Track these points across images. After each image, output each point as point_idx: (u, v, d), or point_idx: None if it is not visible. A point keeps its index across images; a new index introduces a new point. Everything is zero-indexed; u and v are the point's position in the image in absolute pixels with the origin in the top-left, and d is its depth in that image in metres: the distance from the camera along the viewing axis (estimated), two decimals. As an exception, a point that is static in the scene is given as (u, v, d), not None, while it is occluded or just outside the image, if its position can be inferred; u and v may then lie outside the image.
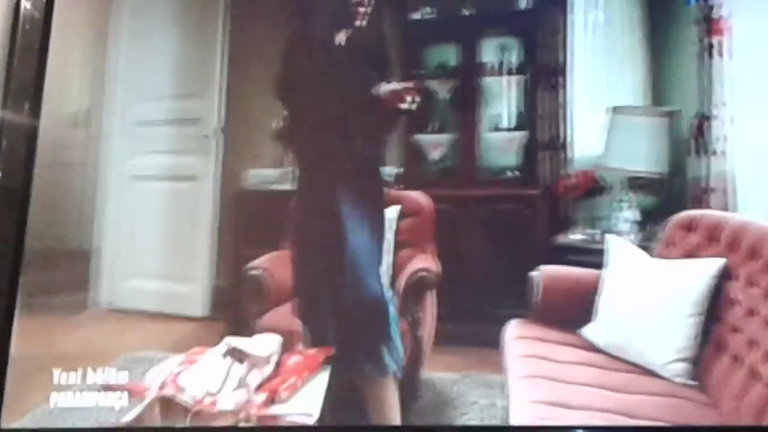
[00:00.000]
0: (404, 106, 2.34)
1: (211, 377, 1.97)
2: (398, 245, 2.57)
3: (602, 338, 2.24)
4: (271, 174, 2.78)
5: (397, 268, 2.51)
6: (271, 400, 1.94)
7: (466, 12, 2.74)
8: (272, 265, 2.52)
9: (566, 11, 2.65)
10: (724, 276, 2.12)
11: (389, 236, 2.51)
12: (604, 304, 2.29)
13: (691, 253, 2.25)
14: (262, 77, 2.66)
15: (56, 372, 2.04)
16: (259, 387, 1.98)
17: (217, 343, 2.35)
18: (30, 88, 2.08)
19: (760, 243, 2.06)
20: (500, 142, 2.70)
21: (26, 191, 2.11)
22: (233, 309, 2.62)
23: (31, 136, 2.12)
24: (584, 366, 2.16)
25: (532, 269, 2.43)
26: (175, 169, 2.81)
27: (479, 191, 2.66)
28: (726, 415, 1.92)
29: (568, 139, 2.66)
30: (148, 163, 2.83)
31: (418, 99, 2.35)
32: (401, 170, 2.74)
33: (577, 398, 2.00)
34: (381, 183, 2.45)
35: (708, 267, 2.14)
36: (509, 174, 2.71)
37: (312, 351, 2.12)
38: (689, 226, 2.30)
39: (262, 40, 2.73)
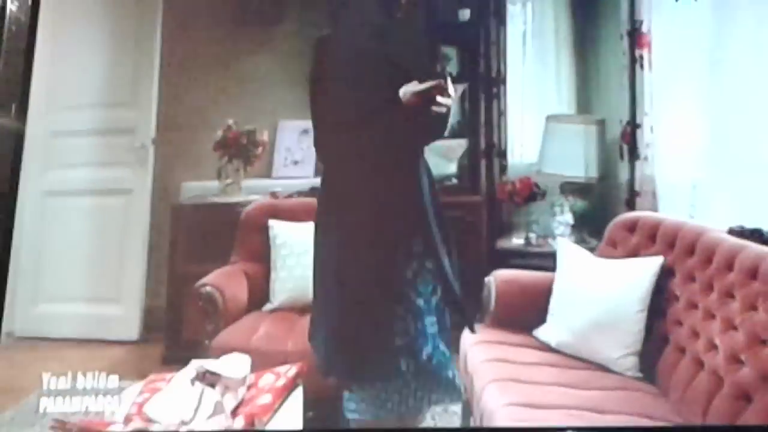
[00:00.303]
0: (436, 108, 2.04)
1: (181, 404, 1.84)
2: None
3: (555, 338, 2.33)
4: (212, 186, 2.65)
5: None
6: (251, 424, 1.84)
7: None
8: (223, 281, 2.40)
9: (503, 24, 2.73)
10: (664, 273, 2.26)
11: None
12: (555, 305, 2.38)
13: (632, 253, 2.38)
14: (200, 85, 2.54)
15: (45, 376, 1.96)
16: (235, 411, 1.88)
17: (155, 368, 2.22)
18: (17, 90, 1.90)
19: (694, 241, 2.23)
20: (442, 149, 2.72)
21: (14, 195, 1.95)
22: (173, 330, 2.47)
23: (18, 138, 1.95)
24: (545, 366, 2.23)
25: (478, 275, 2.47)
26: (102, 183, 2.60)
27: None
28: (674, 404, 2.04)
29: (506, 146, 2.74)
30: (67, 177, 2.60)
31: (447, 99, 2.05)
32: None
33: (545, 398, 2.05)
34: (420, 196, 2.12)
35: (649, 265, 2.28)
36: (452, 182, 2.75)
37: (284, 368, 2.03)
38: (630, 227, 2.44)
39: (200, 45, 2.60)
